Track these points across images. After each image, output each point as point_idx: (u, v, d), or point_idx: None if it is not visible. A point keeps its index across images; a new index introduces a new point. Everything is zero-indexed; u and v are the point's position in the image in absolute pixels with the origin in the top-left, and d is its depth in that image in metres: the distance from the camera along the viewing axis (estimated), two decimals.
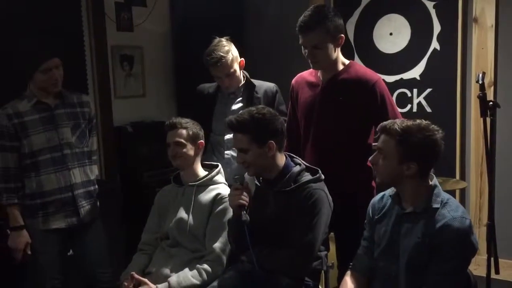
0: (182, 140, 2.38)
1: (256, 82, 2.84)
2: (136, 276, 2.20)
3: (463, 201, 3.50)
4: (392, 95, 2.86)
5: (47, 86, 2.46)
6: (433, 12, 3.55)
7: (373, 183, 2.44)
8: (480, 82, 2.03)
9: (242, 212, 2.07)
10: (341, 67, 2.41)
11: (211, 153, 2.83)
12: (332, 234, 2.45)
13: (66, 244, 2.64)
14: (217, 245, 2.27)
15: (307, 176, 2.12)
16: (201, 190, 2.40)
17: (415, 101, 3.67)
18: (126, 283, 2.21)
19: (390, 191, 2.00)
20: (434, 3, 3.53)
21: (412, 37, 3.65)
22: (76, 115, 2.58)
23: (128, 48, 3.84)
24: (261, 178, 2.22)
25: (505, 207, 3.29)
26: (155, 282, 2.21)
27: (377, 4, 3.77)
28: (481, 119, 2.04)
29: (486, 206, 3.04)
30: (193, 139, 2.41)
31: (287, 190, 2.09)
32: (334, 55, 2.36)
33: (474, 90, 3.40)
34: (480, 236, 3.15)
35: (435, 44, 3.56)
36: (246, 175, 2.24)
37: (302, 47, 2.35)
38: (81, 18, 3.48)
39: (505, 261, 3.10)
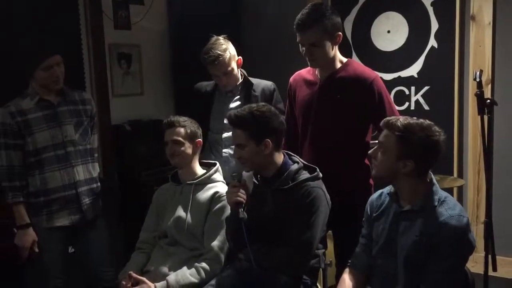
0: (180, 139, 2.38)
1: (253, 80, 2.84)
2: (134, 275, 2.20)
3: (460, 198, 3.50)
4: (389, 93, 2.87)
5: (48, 84, 2.46)
6: (430, 10, 3.55)
7: (371, 181, 2.45)
8: (478, 80, 2.03)
9: (240, 209, 2.07)
10: (338, 65, 2.41)
11: (209, 151, 2.83)
12: (330, 232, 2.46)
13: (69, 242, 2.64)
14: (215, 243, 2.28)
15: (305, 174, 2.12)
16: (199, 188, 2.40)
17: (413, 99, 3.67)
18: (124, 282, 2.21)
19: (388, 189, 2.00)
20: (431, 1, 3.53)
21: (409, 35, 3.65)
22: (78, 113, 2.59)
23: (126, 47, 3.84)
24: (259, 176, 2.22)
25: (503, 204, 3.29)
26: (153, 281, 2.21)
27: (374, 2, 3.77)
28: (479, 117, 2.04)
29: (484, 203, 3.06)
30: (191, 137, 2.41)
31: (285, 188, 2.09)
32: (332, 53, 2.36)
33: (471, 88, 3.40)
34: (477, 233, 3.15)
35: (432, 42, 3.56)
36: (244, 172, 2.24)
37: (300, 45, 2.35)
38: (79, 17, 3.47)
39: (502, 258, 3.10)
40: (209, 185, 2.41)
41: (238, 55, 2.79)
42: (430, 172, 1.89)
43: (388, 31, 3.72)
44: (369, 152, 1.95)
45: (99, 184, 2.69)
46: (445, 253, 1.75)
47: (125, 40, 3.81)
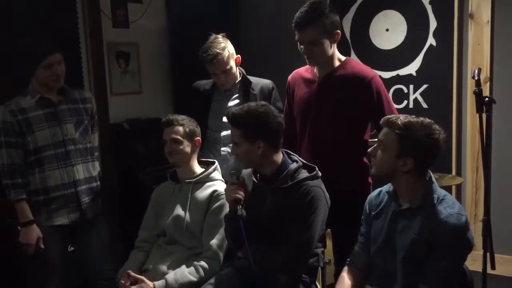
0: (179, 137, 2.38)
1: (252, 79, 2.84)
2: (133, 274, 2.20)
3: (459, 196, 3.51)
4: (388, 91, 2.86)
5: (49, 82, 2.46)
6: (429, 8, 3.55)
7: (370, 180, 2.45)
8: (476, 78, 2.03)
9: (238, 207, 2.07)
10: (337, 63, 2.41)
11: (207, 150, 2.83)
12: (328, 230, 2.46)
13: (68, 241, 2.64)
14: (214, 241, 2.28)
15: (304, 173, 2.12)
16: (197, 187, 2.40)
17: (411, 97, 3.68)
18: (123, 281, 2.21)
19: (386, 187, 2.01)
20: None
21: (408, 33, 3.65)
22: (79, 111, 2.59)
23: (124, 45, 3.83)
24: (258, 175, 2.22)
25: (501, 202, 3.30)
26: (152, 279, 2.21)
27: (373, 0, 3.77)
28: (477, 115, 2.04)
29: (482, 201, 3.06)
30: (189, 136, 2.41)
31: (284, 187, 2.09)
32: (330, 51, 2.36)
33: (470, 86, 3.41)
34: (476, 231, 3.16)
35: (431, 40, 3.56)
36: (243, 170, 2.24)
37: (298, 43, 2.35)
38: (77, 15, 3.46)
39: (501, 256, 3.10)
40: (208, 183, 2.41)
41: (236, 54, 2.79)
42: (429, 170, 1.89)
43: (387, 30, 3.73)
44: (369, 150, 1.95)
45: (99, 183, 2.68)
46: (444, 252, 1.75)
47: (123, 38, 3.80)
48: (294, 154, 2.24)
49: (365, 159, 2.46)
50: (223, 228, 2.26)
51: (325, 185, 2.14)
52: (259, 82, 2.83)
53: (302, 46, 2.34)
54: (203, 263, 2.24)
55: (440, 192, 1.86)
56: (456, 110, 3.50)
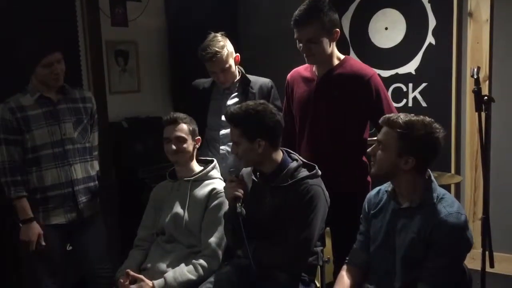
0: (184, 135, 2.37)
1: (251, 77, 2.84)
2: (132, 273, 2.20)
3: (458, 195, 3.51)
4: (387, 89, 2.87)
5: (48, 81, 2.46)
6: (428, 7, 3.55)
7: (369, 178, 2.45)
8: (475, 76, 2.04)
9: (237, 204, 2.07)
10: (336, 62, 2.41)
11: (206, 148, 2.82)
12: (328, 229, 2.46)
13: (66, 240, 2.64)
14: (212, 239, 2.28)
15: (304, 172, 2.12)
16: (196, 185, 2.40)
17: (411, 95, 3.67)
18: (122, 280, 2.21)
19: (386, 186, 2.01)
20: None
21: (407, 32, 3.65)
22: (78, 111, 2.59)
23: (123, 43, 3.82)
24: (258, 173, 2.22)
25: (500, 201, 3.30)
26: (151, 278, 2.21)
27: None
28: (476, 113, 2.05)
29: (481, 200, 3.06)
30: (193, 134, 2.41)
31: (283, 186, 2.09)
32: (329, 50, 2.36)
33: (469, 85, 3.41)
34: (475, 229, 3.16)
35: (430, 39, 3.56)
36: (243, 169, 2.24)
37: (297, 41, 2.34)
38: (75, 13, 3.45)
39: (500, 254, 3.12)
40: (207, 181, 2.40)
41: (235, 52, 2.79)
42: (428, 169, 1.89)
43: (386, 28, 3.72)
44: (368, 150, 1.95)
45: (96, 182, 2.68)
46: (443, 250, 1.76)
47: (122, 37, 3.80)
48: (294, 153, 2.24)
49: (364, 158, 2.46)
50: (222, 226, 2.26)
51: (324, 184, 2.14)
52: (258, 81, 2.83)
53: (301, 44, 2.33)
54: (202, 261, 2.24)
55: (439, 190, 1.86)
56: (455, 109, 3.50)
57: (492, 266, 2.10)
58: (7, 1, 2.99)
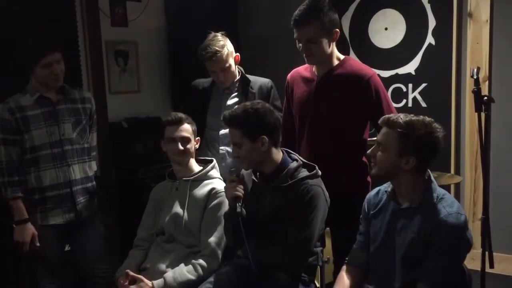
0: (189, 135, 2.37)
1: (251, 77, 2.84)
2: (131, 273, 2.20)
3: (458, 195, 3.51)
4: (387, 90, 2.87)
5: (48, 81, 2.46)
6: (428, 7, 3.55)
7: (369, 179, 2.45)
8: (475, 77, 2.03)
9: (237, 204, 2.07)
10: (336, 62, 2.41)
11: (206, 148, 2.82)
12: (328, 229, 2.46)
13: (64, 240, 2.64)
14: (212, 239, 2.27)
15: (304, 172, 2.12)
16: (195, 185, 2.40)
17: (410, 96, 3.68)
18: (121, 281, 2.21)
19: (385, 186, 2.01)
20: None
21: (407, 32, 3.65)
22: (77, 111, 2.59)
23: (123, 44, 3.82)
24: (258, 173, 2.22)
25: (500, 201, 3.30)
26: (150, 278, 2.20)
27: None
28: (476, 114, 2.04)
29: (481, 200, 3.06)
30: (194, 134, 2.42)
31: (284, 186, 2.09)
32: (329, 50, 2.36)
33: (469, 85, 3.41)
34: (474, 230, 3.16)
35: (430, 39, 3.56)
36: (243, 169, 2.24)
37: (297, 41, 2.34)
38: (75, 14, 3.45)
39: (499, 255, 3.11)
40: (206, 181, 2.40)
41: (235, 52, 2.79)
42: (428, 169, 1.89)
43: (386, 28, 3.72)
44: (368, 152, 1.95)
45: (94, 183, 2.68)
46: (443, 251, 1.76)
47: (122, 37, 3.80)
48: (294, 153, 2.24)
49: (364, 158, 2.46)
50: (221, 226, 2.26)
51: (324, 184, 2.13)
52: (257, 81, 2.83)
53: (300, 44, 2.33)
54: (201, 261, 2.24)
55: (439, 191, 1.86)
56: (455, 109, 3.50)
57: (492, 266, 2.10)
58: (7, 1, 2.99)
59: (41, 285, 2.53)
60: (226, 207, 2.25)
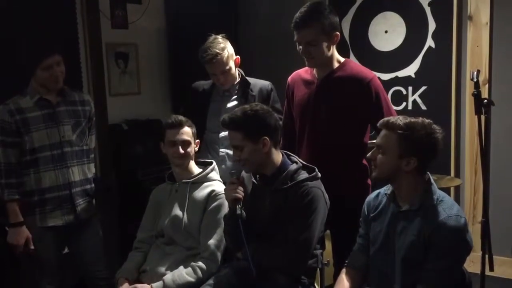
0: (189, 139, 2.38)
1: (251, 80, 2.84)
2: (126, 284, 2.21)
3: (457, 198, 3.51)
4: (387, 93, 2.86)
5: (48, 83, 2.46)
6: (428, 10, 3.55)
7: (369, 181, 2.45)
8: (475, 80, 2.04)
9: (237, 206, 2.07)
10: (336, 64, 2.41)
11: (206, 151, 2.82)
12: (327, 232, 2.45)
13: (62, 242, 2.64)
14: (211, 242, 2.27)
15: (303, 174, 2.12)
16: (195, 187, 2.40)
17: (410, 99, 3.68)
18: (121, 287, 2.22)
19: (385, 189, 2.01)
20: (429, 1, 3.54)
21: (407, 35, 3.65)
22: (77, 113, 2.60)
23: (123, 46, 3.82)
24: (257, 176, 2.22)
25: (500, 204, 3.30)
26: (150, 281, 2.21)
27: (372, 1, 3.77)
28: (476, 116, 2.05)
29: (481, 203, 3.06)
30: (194, 137, 2.42)
31: (283, 188, 2.09)
32: (329, 53, 2.36)
33: (468, 88, 3.41)
34: (474, 233, 3.16)
35: (430, 42, 3.56)
36: (243, 172, 2.24)
37: (297, 43, 2.34)
38: (76, 16, 3.46)
39: (499, 258, 3.11)
40: (206, 183, 2.40)
41: (236, 54, 2.79)
42: (427, 172, 1.89)
43: (386, 31, 3.73)
44: (368, 155, 1.95)
45: (93, 185, 2.69)
46: (443, 253, 1.75)
47: (122, 39, 3.80)
48: (294, 155, 2.24)
49: (364, 161, 2.46)
50: (221, 229, 2.26)
51: (324, 186, 2.14)
52: (257, 83, 2.83)
53: (300, 47, 2.33)
54: (200, 263, 2.24)
55: (439, 193, 1.86)
56: (455, 112, 3.50)
57: (491, 269, 2.10)
58: (7, 3, 2.99)
59: (40, 286, 2.53)
60: (225, 209, 2.25)
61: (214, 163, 2.51)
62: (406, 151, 1.81)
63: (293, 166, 2.14)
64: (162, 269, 2.27)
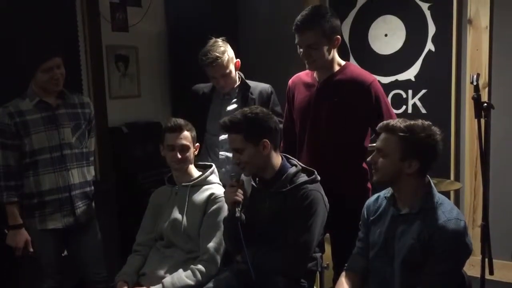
0: (188, 143, 2.37)
1: (251, 83, 2.84)
2: None
3: (457, 202, 3.51)
4: (387, 96, 2.87)
5: (48, 86, 2.47)
6: (428, 14, 3.56)
7: (369, 185, 2.45)
8: (475, 83, 2.04)
9: (237, 209, 2.07)
10: (336, 68, 2.41)
11: (206, 154, 2.82)
12: (327, 235, 2.45)
13: (62, 244, 2.64)
14: (211, 245, 2.27)
15: (303, 177, 2.12)
16: (195, 190, 2.39)
17: (410, 102, 3.68)
18: None
19: (385, 192, 2.01)
20: (429, 4, 3.54)
21: (407, 39, 3.66)
22: (77, 116, 2.60)
23: (123, 48, 3.83)
24: (257, 179, 2.21)
25: (499, 207, 3.30)
26: (149, 284, 2.20)
27: (372, 5, 3.78)
28: (476, 120, 2.05)
29: (481, 206, 3.06)
30: (194, 141, 2.41)
31: (283, 191, 2.09)
32: (330, 56, 2.36)
33: (468, 92, 3.41)
34: (474, 236, 3.16)
35: (430, 46, 3.57)
36: (243, 175, 2.24)
37: (298, 46, 2.35)
38: (76, 18, 3.46)
39: (499, 261, 3.11)
40: (205, 186, 2.40)
41: (236, 58, 2.79)
42: (427, 175, 1.89)
43: (386, 35, 3.73)
44: (368, 159, 1.95)
45: (92, 188, 2.69)
46: (442, 256, 1.75)
47: (122, 42, 3.80)
48: (293, 158, 2.24)
49: (364, 164, 2.46)
50: (220, 231, 2.26)
51: (324, 189, 2.13)
52: (257, 86, 2.83)
53: (301, 50, 2.34)
54: (200, 266, 2.24)
55: (438, 197, 1.86)
56: (455, 116, 3.50)
57: (491, 273, 2.09)
58: (7, 5, 2.99)
59: None
60: (225, 212, 2.25)
61: (214, 166, 2.51)
62: (408, 154, 1.81)
63: (293, 169, 2.14)
64: (162, 272, 2.27)
